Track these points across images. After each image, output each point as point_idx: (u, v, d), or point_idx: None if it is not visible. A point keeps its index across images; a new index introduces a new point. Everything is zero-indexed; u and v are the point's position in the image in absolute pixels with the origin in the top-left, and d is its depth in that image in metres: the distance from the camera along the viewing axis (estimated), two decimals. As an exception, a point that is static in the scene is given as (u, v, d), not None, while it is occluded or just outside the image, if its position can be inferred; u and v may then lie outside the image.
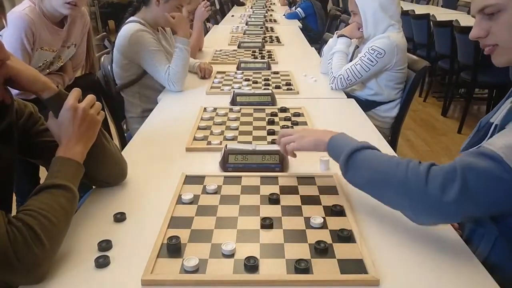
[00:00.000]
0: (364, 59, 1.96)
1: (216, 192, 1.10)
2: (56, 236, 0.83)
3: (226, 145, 1.26)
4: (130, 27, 1.99)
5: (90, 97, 1.02)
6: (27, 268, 0.77)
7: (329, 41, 2.33)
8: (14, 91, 0.94)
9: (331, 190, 1.11)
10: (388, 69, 2.00)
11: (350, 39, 2.13)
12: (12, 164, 0.98)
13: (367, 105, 2.02)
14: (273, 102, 1.79)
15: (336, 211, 1.00)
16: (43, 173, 1.73)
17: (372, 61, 1.94)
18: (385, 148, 1.42)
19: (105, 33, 3.55)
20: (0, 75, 0.88)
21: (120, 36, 2.02)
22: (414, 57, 2.18)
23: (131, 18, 2.05)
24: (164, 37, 2.23)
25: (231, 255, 0.86)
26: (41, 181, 1.66)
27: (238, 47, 3.07)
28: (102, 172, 1.09)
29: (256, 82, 2.12)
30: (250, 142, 1.41)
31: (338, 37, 2.16)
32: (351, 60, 2.10)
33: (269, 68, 2.39)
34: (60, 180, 0.89)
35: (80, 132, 0.96)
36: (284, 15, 5.40)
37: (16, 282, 0.79)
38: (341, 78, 1.98)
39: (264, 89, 2.00)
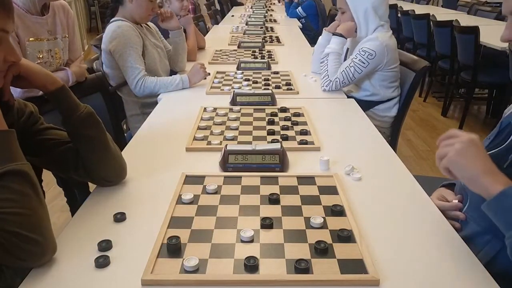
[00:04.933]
0: (356, 61, 1.96)
1: (216, 192, 1.10)
2: (38, 223, 0.81)
3: (226, 145, 1.26)
4: (113, 25, 2.02)
5: None
6: (34, 261, 0.82)
7: (319, 39, 2.32)
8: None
9: (331, 190, 1.11)
10: (380, 69, 2.01)
11: (346, 38, 2.08)
12: None
13: (365, 105, 2.02)
14: (273, 102, 1.79)
15: (336, 211, 1.00)
16: (45, 175, 1.73)
17: (364, 63, 1.95)
18: (385, 148, 1.42)
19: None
20: (10, 73, 0.91)
21: (104, 36, 2.04)
22: (414, 57, 2.18)
23: (113, 18, 2.08)
24: (150, 32, 2.25)
25: (250, 241, 0.89)
26: (43, 183, 1.67)
27: (238, 47, 3.07)
28: (104, 169, 1.10)
29: (256, 82, 2.12)
30: (250, 142, 1.41)
31: (333, 34, 2.11)
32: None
33: (269, 68, 2.39)
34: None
35: None
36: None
37: (29, 267, 0.83)
38: (337, 81, 1.98)
39: (264, 89, 2.00)
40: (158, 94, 2.00)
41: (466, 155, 0.85)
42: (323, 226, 0.95)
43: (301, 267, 0.81)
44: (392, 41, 2.01)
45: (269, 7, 6.69)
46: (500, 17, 5.06)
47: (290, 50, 3.06)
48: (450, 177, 0.89)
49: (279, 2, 7.68)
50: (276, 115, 1.66)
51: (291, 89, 2.02)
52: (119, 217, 0.99)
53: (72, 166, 1.07)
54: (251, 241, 0.90)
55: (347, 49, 2.18)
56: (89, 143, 1.05)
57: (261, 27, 3.96)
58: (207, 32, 4.02)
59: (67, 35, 1.91)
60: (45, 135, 1.05)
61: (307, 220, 0.97)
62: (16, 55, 0.89)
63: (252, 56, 2.74)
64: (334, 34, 2.08)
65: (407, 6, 5.94)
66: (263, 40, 3.21)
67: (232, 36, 3.61)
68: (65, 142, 1.06)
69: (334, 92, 2.02)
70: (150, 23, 2.31)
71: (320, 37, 2.33)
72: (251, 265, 0.82)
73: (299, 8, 5.29)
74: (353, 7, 1.99)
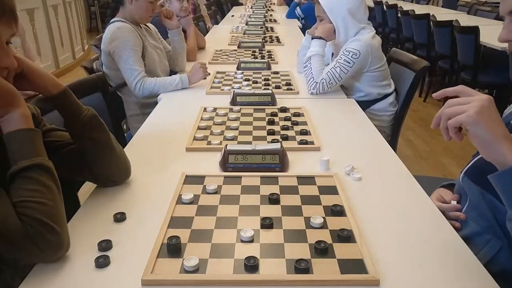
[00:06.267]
0: (341, 61, 1.95)
1: (216, 192, 1.10)
2: (60, 216, 0.85)
3: (226, 145, 1.26)
4: (112, 26, 2.03)
5: None
6: (51, 253, 0.83)
7: (303, 41, 2.34)
8: None
9: (331, 190, 1.11)
10: (366, 70, 2.01)
11: (326, 41, 2.07)
12: None
13: (361, 106, 2.02)
14: (273, 102, 1.79)
15: (336, 211, 1.00)
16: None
17: (349, 62, 1.95)
18: (385, 148, 1.42)
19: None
20: (12, 72, 0.90)
21: (104, 37, 2.05)
22: (414, 57, 2.18)
23: (114, 19, 2.08)
24: (149, 33, 2.25)
25: (250, 241, 0.89)
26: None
27: (238, 47, 3.07)
28: (108, 170, 1.10)
29: (256, 82, 2.12)
30: (250, 142, 1.41)
31: (312, 38, 2.10)
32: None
33: (269, 68, 2.39)
34: (24, 161, 0.84)
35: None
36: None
37: (44, 261, 0.85)
38: (323, 82, 1.97)
39: (264, 89, 2.00)
40: (158, 94, 2.00)
41: (487, 116, 0.77)
42: (323, 226, 0.95)
43: (301, 267, 0.81)
44: (375, 40, 2.01)
45: (269, 7, 6.68)
46: (500, 17, 5.06)
47: (290, 50, 3.06)
48: (456, 138, 0.81)
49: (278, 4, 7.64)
50: (276, 115, 1.66)
51: (291, 89, 2.02)
52: (119, 217, 0.99)
53: (76, 167, 1.07)
54: (251, 241, 0.90)
55: (332, 53, 2.19)
56: (93, 145, 1.05)
57: (261, 27, 3.97)
58: (207, 32, 4.02)
59: (18, 35, 1.91)
60: (48, 137, 1.05)
61: (307, 220, 0.97)
62: (8, 59, 0.87)
63: (252, 56, 2.74)
64: (313, 37, 2.08)
65: (407, 6, 5.95)
66: (263, 40, 3.22)
67: (232, 36, 3.61)
68: (68, 143, 1.06)
69: (334, 92, 2.02)
70: (149, 24, 2.32)
71: (303, 39, 2.34)
72: (251, 265, 0.82)
73: (298, 8, 5.28)
74: (331, 15, 2.00)
